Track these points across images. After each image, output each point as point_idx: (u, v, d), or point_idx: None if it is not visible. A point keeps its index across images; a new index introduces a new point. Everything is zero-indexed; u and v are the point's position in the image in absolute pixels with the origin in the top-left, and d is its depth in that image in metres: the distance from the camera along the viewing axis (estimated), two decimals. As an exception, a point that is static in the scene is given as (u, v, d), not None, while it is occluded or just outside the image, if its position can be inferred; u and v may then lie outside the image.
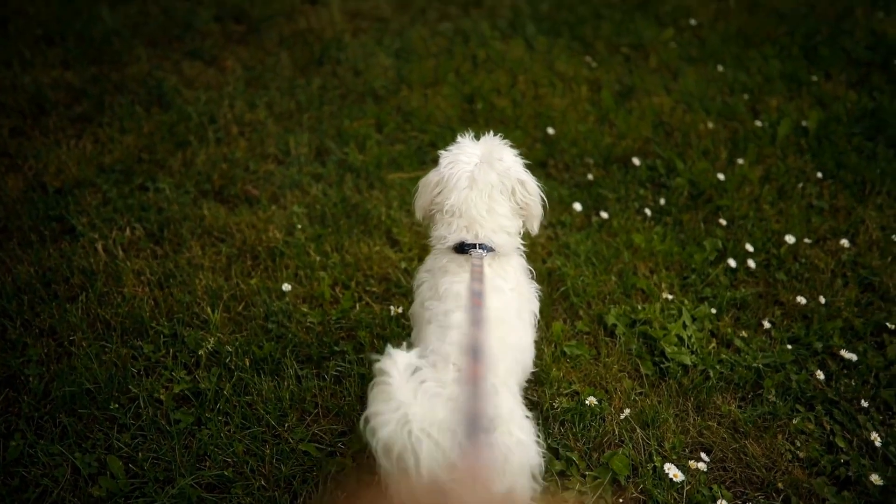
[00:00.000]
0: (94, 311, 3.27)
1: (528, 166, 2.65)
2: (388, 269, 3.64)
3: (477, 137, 2.69)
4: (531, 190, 2.61)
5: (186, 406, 2.91)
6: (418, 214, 2.74)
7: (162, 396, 2.90)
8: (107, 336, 3.17)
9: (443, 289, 2.45)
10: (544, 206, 2.68)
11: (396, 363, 1.94)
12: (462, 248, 2.53)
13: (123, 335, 3.18)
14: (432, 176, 2.65)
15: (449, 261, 2.55)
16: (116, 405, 2.85)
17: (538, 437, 2.29)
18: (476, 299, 2.07)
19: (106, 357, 3.05)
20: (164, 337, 3.17)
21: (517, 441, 2.11)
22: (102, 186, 4.14)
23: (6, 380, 2.97)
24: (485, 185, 2.53)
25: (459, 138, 2.69)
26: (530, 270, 2.72)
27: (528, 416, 2.29)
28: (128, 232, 3.80)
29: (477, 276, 2.25)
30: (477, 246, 2.50)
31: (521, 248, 2.70)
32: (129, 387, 2.92)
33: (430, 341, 2.31)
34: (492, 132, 2.71)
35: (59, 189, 4.12)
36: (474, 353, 1.81)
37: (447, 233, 2.56)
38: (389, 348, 1.96)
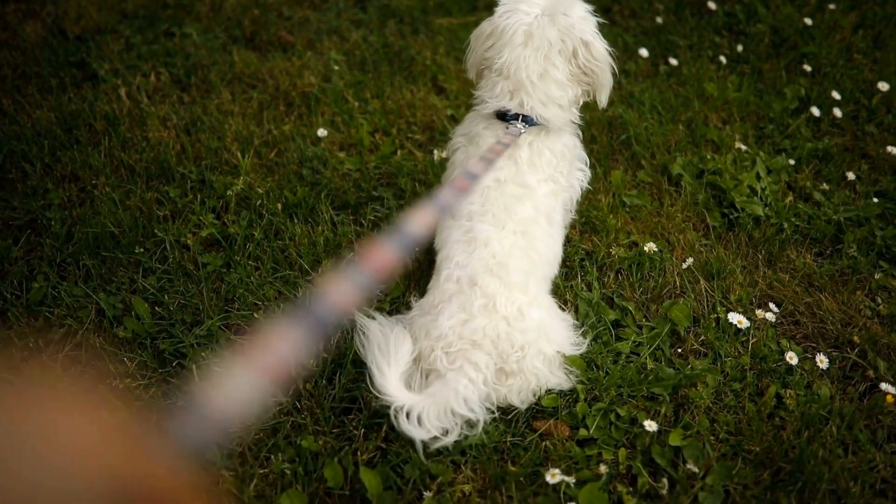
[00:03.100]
0: (117, 156, 3.30)
1: (595, 18, 2.49)
2: (432, 116, 3.59)
3: None
4: (597, 54, 2.40)
5: (215, 250, 2.95)
6: (471, 73, 2.60)
7: (189, 241, 2.93)
8: (131, 181, 3.20)
9: None
10: (614, 74, 2.50)
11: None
12: (504, 116, 2.42)
13: (149, 180, 3.21)
14: (485, 26, 2.49)
15: (485, 128, 2.45)
16: (141, 249, 2.90)
17: (574, 329, 2.49)
18: (463, 182, 1.83)
19: (130, 202, 3.09)
20: (191, 182, 3.19)
21: (544, 358, 2.29)
22: (125, 32, 4.13)
23: (28, 223, 3.03)
24: (541, 43, 2.35)
25: None
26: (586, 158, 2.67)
27: (559, 311, 2.46)
28: (153, 78, 3.81)
29: (487, 157, 2.08)
30: (520, 118, 2.38)
31: (577, 122, 2.58)
32: (155, 231, 2.96)
33: (455, 253, 2.31)
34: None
35: (80, 35, 4.12)
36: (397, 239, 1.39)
37: (489, 96, 2.44)
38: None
